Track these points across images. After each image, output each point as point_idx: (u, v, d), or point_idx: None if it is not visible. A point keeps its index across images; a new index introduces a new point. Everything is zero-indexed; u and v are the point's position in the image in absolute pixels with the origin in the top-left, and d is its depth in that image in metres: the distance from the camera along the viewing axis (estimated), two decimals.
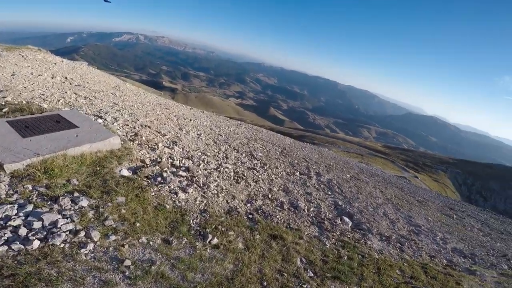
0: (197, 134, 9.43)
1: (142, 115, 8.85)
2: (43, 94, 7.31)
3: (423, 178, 45.88)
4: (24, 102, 6.13)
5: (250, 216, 5.00)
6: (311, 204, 6.89)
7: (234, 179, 6.44)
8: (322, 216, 6.36)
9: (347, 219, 6.68)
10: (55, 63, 12.38)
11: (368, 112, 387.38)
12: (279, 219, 5.42)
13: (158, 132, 7.50)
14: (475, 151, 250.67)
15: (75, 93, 8.50)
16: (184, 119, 11.73)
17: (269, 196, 6.38)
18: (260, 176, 7.47)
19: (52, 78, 9.72)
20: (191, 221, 4.03)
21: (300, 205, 6.53)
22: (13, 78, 8.20)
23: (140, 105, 10.64)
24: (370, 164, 34.87)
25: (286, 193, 7.04)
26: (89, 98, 8.53)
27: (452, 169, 58.76)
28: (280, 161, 10.18)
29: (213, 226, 4.08)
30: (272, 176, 7.86)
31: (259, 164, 8.60)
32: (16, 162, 3.65)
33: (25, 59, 11.29)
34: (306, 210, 6.34)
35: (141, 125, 7.39)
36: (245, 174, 7.01)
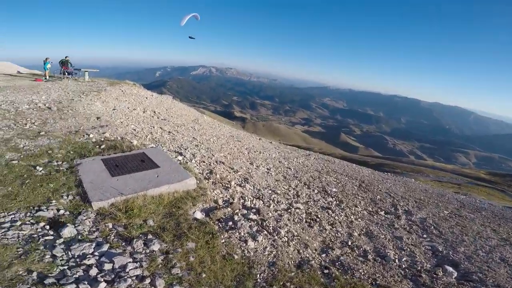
0: (267, 169, 9.26)
1: (217, 149, 9.27)
2: (134, 130, 8.47)
3: None
4: (119, 138, 7.13)
5: (326, 270, 4.13)
6: (403, 252, 5.39)
7: (306, 221, 5.75)
8: (418, 267, 4.84)
9: (450, 269, 4.98)
10: (146, 97, 14.60)
11: (464, 132, 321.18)
12: (362, 273, 4.31)
13: (231, 168, 7.62)
14: None
15: (160, 128, 9.64)
16: (254, 151, 11.88)
17: (349, 243, 5.32)
18: (336, 217, 6.54)
19: (144, 112, 11.38)
20: (258, 275, 3.57)
21: (388, 253, 5.15)
22: (113, 112, 9.90)
23: (216, 139, 11.29)
24: (470, 195, 27.26)
25: (370, 239, 5.75)
26: (172, 133, 9.50)
27: None
28: (359, 197, 8.80)
29: (281, 283, 3.50)
30: (351, 217, 6.77)
31: (334, 202, 7.63)
32: (103, 200, 4.00)
33: (123, 93, 13.64)
34: (396, 260, 4.95)
35: (216, 161, 7.66)
36: (319, 216, 6.23)
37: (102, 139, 6.80)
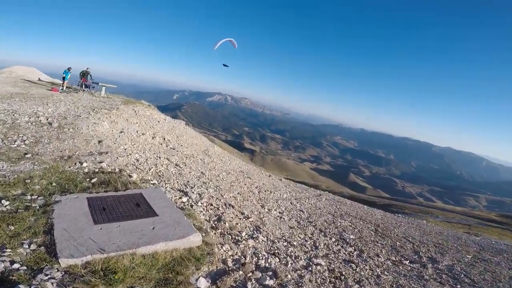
0: (279, 213, 8.03)
1: (226, 188, 8.16)
2: (137, 160, 7.45)
3: None
4: (117, 170, 6.11)
5: None
6: None
7: (330, 281, 4.58)
8: None
9: None
10: (158, 121, 13.76)
11: (474, 178, 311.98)
12: None
13: (242, 214, 6.47)
14: None
15: (167, 159, 8.64)
16: (265, 191, 10.69)
17: None
18: (361, 272, 5.35)
19: (153, 138, 10.49)
20: None
21: None
22: (120, 136, 9.00)
23: (225, 174, 10.22)
24: (482, 235, 26.29)
25: None
26: (179, 166, 8.47)
27: None
28: (379, 245, 7.70)
29: None
30: (377, 270, 5.61)
31: (355, 252, 6.48)
32: (75, 257, 2.95)
33: (136, 114, 12.84)
34: None
35: (225, 204, 6.55)
36: (343, 272, 5.06)
37: (96, 170, 5.77)
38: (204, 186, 7.13)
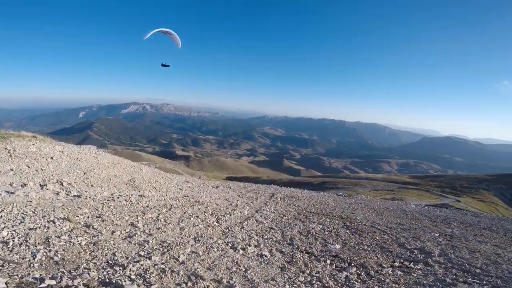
0: (255, 247, 5.99)
1: (178, 240, 5.51)
2: (6, 243, 4.15)
3: (467, 200, 42.48)
4: None
5: None
6: None
7: None
8: None
9: None
10: (51, 157, 9.69)
11: (383, 145, 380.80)
12: None
13: (217, 282, 4.12)
14: (509, 163, 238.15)
15: (67, 219, 5.37)
16: (224, 215, 8.49)
17: None
18: None
19: (41, 188, 6.87)
20: None
21: None
22: None
23: (167, 211, 7.41)
24: (405, 199, 32.07)
25: None
26: (93, 228, 5.36)
27: (494, 186, 55.49)
28: (367, 248, 7.05)
29: None
30: None
31: (362, 272, 5.42)
32: None
33: (10, 155, 8.66)
34: None
35: (189, 279, 3.99)
36: None
37: None
38: (144, 261, 4.44)
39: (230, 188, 16.76)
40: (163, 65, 17.93)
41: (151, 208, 7.30)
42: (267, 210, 10.56)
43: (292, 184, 62.29)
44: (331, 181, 60.49)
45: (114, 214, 6.31)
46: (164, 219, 6.63)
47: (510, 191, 53.61)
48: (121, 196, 7.91)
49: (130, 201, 7.60)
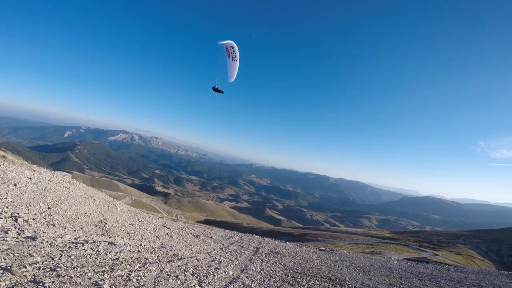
0: None
1: None
2: None
3: (444, 254, 42.35)
4: None
5: None
6: None
7: None
8: None
9: None
10: (15, 184, 8.27)
11: (364, 202, 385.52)
12: None
13: None
14: (483, 220, 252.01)
15: (3, 282, 4.14)
16: (206, 275, 7.15)
17: None
18: None
19: None
20: None
21: None
22: None
23: (141, 267, 6.11)
24: (385, 253, 31.42)
25: None
26: None
27: (471, 240, 57.91)
28: None
29: None
30: None
31: None
32: None
33: None
34: None
35: None
36: None
37: None
38: None
39: (211, 238, 15.29)
40: (215, 90, 16.07)
41: (122, 262, 5.97)
42: (253, 270, 9.42)
43: (273, 233, 59.41)
44: (311, 233, 59.03)
45: (74, 268, 5.00)
46: (137, 279, 5.32)
47: (486, 245, 56.26)
48: (87, 242, 6.56)
49: (97, 250, 6.25)
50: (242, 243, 15.55)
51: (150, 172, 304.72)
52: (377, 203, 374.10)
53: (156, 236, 10.47)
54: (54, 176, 12.27)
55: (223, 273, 8.18)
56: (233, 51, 13.78)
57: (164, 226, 14.60)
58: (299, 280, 9.08)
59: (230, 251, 11.98)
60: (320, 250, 19.64)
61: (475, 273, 15.67)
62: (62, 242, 6.08)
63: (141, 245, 8.12)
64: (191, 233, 15.10)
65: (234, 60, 14.09)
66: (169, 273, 6.22)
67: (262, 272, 9.39)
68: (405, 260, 21.42)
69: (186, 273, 6.80)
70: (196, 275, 7.00)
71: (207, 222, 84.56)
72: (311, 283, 8.95)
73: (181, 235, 13.31)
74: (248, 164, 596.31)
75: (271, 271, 9.73)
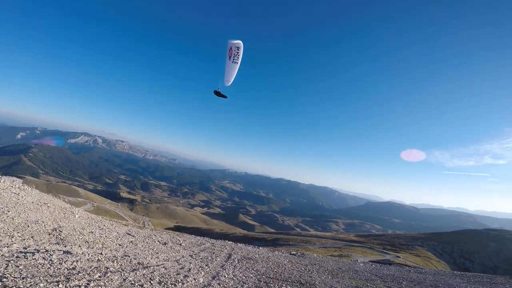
0: None
1: None
2: None
3: (405, 256, 45.39)
4: None
5: None
6: None
7: None
8: None
9: None
10: None
11: (332, 206, 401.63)
12: None
13: None
14: (437, 223, 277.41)
15: None
16: (174, 283, 6.83)
17: None
18: None
19: None
20: None
21: None
22: None
23: (101, 280, 5.62)
24: (352, 255, 33.28)
25: None
26: None
27: (428, 243, 62.47)
28: None
29: None
30: None
31: None
32: None
33: None
34: None
35: None
36: None
37: None
38: None
39: (180, 245, 14.71)
40: (218, 94, 14.87)
41: (80, 272, 5.45)
42: (225, 276, 9.14)
43: (246, 239, 59.22)
44: (283, 238, 60.37)
45: (23, 278, 4.46)
46: None
47: (440, 247, 61.18)
48: (38, 251, 5.90)
49: (51, 259, 5.65)
50: (214, 249, 15.21)
51: (114, 178, 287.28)
52: (344, 207, 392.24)
53: (119, 244, 9.80)
54: (1, 181, 11.02)
55: (193, 281, 7.88)
56: (237, 52, 13.06)
57: (128, 234, 13.74)
58: (271, 285, 9.09)
59: (201, 258, 11.58)
60: (292, 254, 19.96)
61: (432, 274, 16.84)
62: (8, 251, 5.41)
63: (101, 253, 7.52)
64: (158, 241, 14.40)
65: (235, 62, 13.41)
66: (133, 282, 5.82)
67: (234, 278, 9.21)
68: (370, 262, 22.68)
69: (152, 282, 6.42)
70: (163, 283, 6.65)
71: (177, 229, 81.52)
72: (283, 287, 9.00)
73: (147, 243, 12.63)
74: (220, 170, 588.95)
75: (244, 277, 9.62)
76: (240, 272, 10.22)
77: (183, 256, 11.18)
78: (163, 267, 8.46)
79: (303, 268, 13.48)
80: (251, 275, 10.12)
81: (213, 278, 8.71)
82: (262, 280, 9.71)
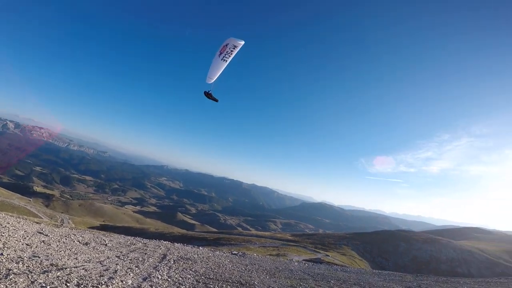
0: None
1: None
2: None
3: (334, 255, 48.79)
4: None
5: None
6: None
7: None
8: None
9: None
10: None
11: (271, 206, 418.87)
12: None
13: None
14: (360, 224, 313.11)
15: None
16: (96, 286, 6.06)
17: None
18: None
19: None
20: None
21: None
22: None
23: (4, 281, 4.61)
24: (288, 255, 35.49)
25: None
26: None
27: (352, 242, 66.96)
28: None
29: None
30: None
31: None
32: None
33: None
34: None
35: None
36: None
37: None
38: None
39: (106, 245, 13.17)
40: (208, 96, 13.22)
41: None
42: (158, 278, 8.53)
43: (186, 238, 56.55)
44: (225, 237, 59.96)
45: None
46: None
47: (362, 246, 66.68)
48: None
49: None
50: (146, 250, 13.98)
51: (27, 169, 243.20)
52: (282, 207, 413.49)
53: (27, 244, 8.25)
54: None
55: (120, 283, 7.16)
56: (231, 51, 12.09)
57: (40, 233, 11.72)
58: (211, 286, 8.88)
59: (130, 259, 10.53)
60: (233, 254, 19.90)
61: (355, 272, 18.33)
62: None
63: (2, 254, 6.18)
64: (78, 241, 12.65)
65: (224, 60, 12.45)
66: (43, 285, 4.94)
67: (169, 279, 8.69)
68: (304, 261, 23.87)
69: (68, 284, 5.58)
70: (83, 285, 5.84)
71: (103, 228, 73.29)
72: None
73: (64, 242, 10.98)
74: (158, 166, 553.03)
75: (180, 278, 9.14)
76: (176, 273, 9.69)
77: (108, 257, 10.06)
78: (83, 268, 7.46)
79: (243, 268, 13.61)
80: (189, 276, 9.69)
81: (144, 279, 8.08)
82: (201, 281, 9.40)
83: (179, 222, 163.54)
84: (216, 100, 14.50)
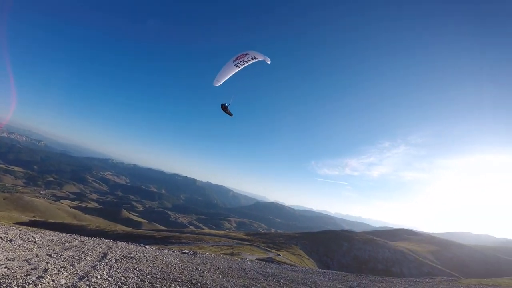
0: None
1: None
2: None
3: (284, 254, 50.12)
4: None
5: None
6: None
7: None
8: None
9: None
10: None
11: (226, 205, 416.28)
12: None
13: None
14: (309, 224, 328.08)
15: None
16: (21, 286, 5.37)
17: None
18: None
19: None
20: None
21: None
22: None
23: None
24: (242, 254, 36.01)
25: None
26: None
27: (301, 241, 68.79)
28: None
29: None
30: None
31: None
32: None
33: None
34: None
35: None
36: None
37: None
38: None
39: (35, 243, 11.66)
40: (224, 110, 13.04)
41: None
42: (97, 277, 7.84)
43: (131, 237, 52.81)
44: (175, 236, 57.21)
45: None
46: None
47: (310, 245, 69.13)
48: None
49: None
50: (84, 248, 12.68)
51: None
52: (237, 206, 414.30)
53: None
54: None
55: (51, 282, 6.48)
56: (248, 61, 11.99)
57: None
58: (158, 286, 8.47)
59: (64, 258, 9.49)
60: (184, 253, 19.17)
61: (303, 272, 19.13)
62: None
63: None
64: (0, 237, 10.99)
65: (237, 66, 12.33)
66: None
67: (110, 279, 8.08)
68: (257, 261, 24.27)
69: None
70: (5, 285, 5.12)
71: (34, 224, 64.44)
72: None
73: None
74: (102, 159, 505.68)
75: (122, 278, 8.54)
76: (118, 273, 9.02)
77: (37, 255, 8.97)
78: (6, 267, 6.56)
79: (194, 267, 13.22)
80: (133, 276, 9.10)
81: (81, 279, 7.41)
82: (146, 280, 8.89)
83: (124, 220, 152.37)
84: (230, 115, 14.41)
